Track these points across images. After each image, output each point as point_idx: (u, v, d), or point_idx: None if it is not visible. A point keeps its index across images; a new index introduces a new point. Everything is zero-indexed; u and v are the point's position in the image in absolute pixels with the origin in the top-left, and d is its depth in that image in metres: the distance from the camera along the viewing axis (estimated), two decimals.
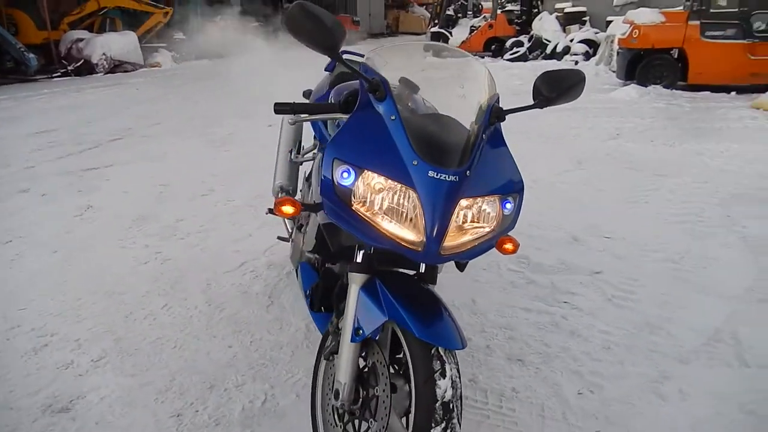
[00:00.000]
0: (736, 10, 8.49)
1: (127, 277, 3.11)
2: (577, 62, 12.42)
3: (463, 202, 1.39)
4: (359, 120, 1.47)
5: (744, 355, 2.33)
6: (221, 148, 6.06)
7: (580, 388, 2.16)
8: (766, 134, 6.09)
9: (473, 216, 1.43)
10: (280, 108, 1.57)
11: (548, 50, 13.99)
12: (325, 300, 2.00)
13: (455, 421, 1.40)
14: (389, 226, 1.39)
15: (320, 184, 1.46)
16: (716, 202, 4.10)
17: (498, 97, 1.59)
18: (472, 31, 16.03)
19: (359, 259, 1.59)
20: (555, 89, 1.56)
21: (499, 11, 15.77)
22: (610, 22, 12.35)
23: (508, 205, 1.47)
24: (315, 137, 2.55)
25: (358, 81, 2.16)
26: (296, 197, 2.83)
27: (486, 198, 1.43)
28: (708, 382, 2.18)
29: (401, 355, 1.56)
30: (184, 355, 2.41)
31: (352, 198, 1.40)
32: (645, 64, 9.06)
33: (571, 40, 13.52)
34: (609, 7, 14.33)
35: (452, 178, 1.36)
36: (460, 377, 1.46)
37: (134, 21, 14.78)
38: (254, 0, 16.52)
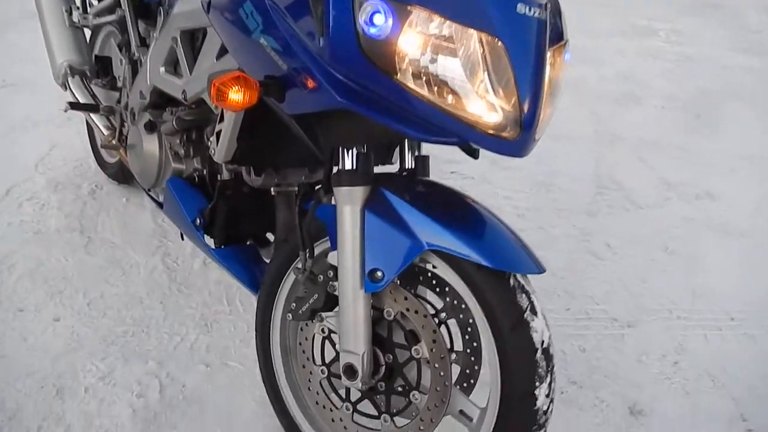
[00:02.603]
0: None
1: None
2: None
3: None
4: None
5: (633, 198, 2.38)
6: None
7: None
8: None
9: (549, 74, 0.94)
10: None
11: None
12: (231, 229, 1.36)
13: (555, 369, 1.01)
14: (460, 103, 0.82)
15: (325, 39, 0.80)
16: None
17: None
18: None
19: (350, 163, 1.00)
20: None
21: None
22: None
23: (567, 56, 1.01)
24: None
25: None
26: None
27: (557, 47, 0.94)
28: (621, 229, 2.17)
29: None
30: None
31: (396, 58, 0.79)
32: None
33: None
34: None
35: (542, 14, 0.83)
36: None
37: None
38: None
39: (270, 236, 1.47)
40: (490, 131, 0.83)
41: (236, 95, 0.88)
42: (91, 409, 1.34)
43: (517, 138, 0.84)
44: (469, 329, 1.05)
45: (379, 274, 0.97)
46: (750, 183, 2.55)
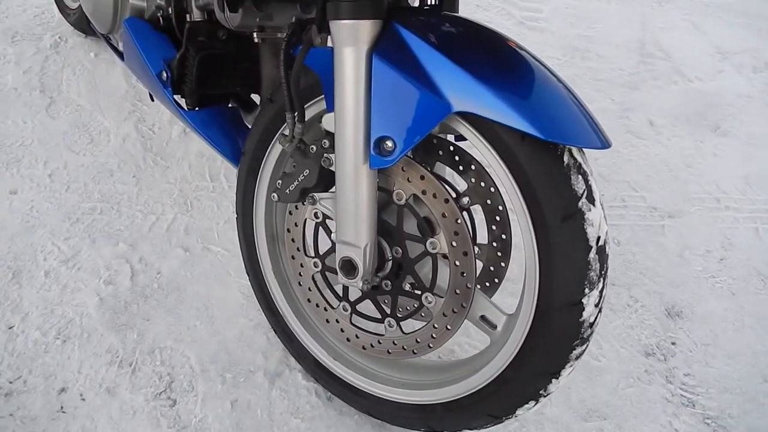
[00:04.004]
0: None
1: None
2: None
3: None
4: None
5: (681, 69, 2.07)
6: None
7: None
8: None
9: None
10: None
11: None
12: (205, 87, 1.10)
13: (608, 273, 0.79)
14: None
15: None
16: None
17: None
18: None
19: None
20: None
21: None
22: None
23: None
24: None
25: None
26: None
27: None
28: (667, 105, 1.89)
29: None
30: None
31: None
32: None
33: None
34: None
35: None
36: None
37: None
38: None
39: (256, 99, 1.22)
40: None
41: None
42: (52, 296, 1.16)
43: None
44: (498, 218, 0.84)
45: (389, 144, 0.74)
46: None
